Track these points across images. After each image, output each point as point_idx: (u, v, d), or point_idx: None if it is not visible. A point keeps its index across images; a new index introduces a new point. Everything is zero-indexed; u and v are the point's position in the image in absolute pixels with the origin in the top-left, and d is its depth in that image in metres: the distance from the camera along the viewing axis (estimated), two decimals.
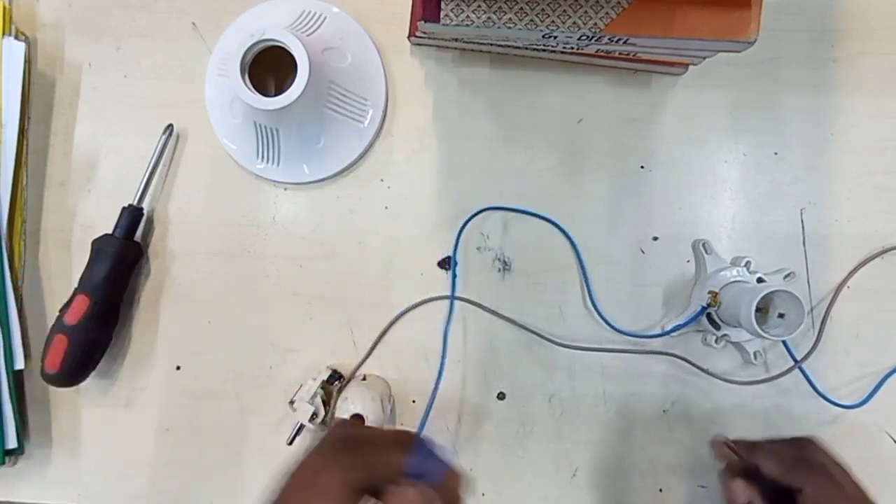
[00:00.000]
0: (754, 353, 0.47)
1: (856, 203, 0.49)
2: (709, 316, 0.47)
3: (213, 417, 0.48)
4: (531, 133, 0.49)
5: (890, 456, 0.49)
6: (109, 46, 0.49)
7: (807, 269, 0.49)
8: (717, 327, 0.47)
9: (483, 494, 0.48)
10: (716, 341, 0.47)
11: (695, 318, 0.46)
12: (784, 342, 0.47)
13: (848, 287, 0.49)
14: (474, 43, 0.46)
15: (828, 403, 0.48)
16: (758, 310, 0.41)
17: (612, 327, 0.48)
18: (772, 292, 0.42)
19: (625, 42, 0.40)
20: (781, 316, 0.44)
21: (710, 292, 0.46)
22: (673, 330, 0.47)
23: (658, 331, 0.48)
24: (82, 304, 0.44)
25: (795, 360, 0.47)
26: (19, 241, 0.48)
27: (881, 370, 0.49)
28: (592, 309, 0.48)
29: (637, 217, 0.49)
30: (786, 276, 0.47)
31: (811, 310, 0.49)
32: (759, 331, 0.41)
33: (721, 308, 0.45)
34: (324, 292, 0.49)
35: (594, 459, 0.49)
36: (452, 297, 0.48)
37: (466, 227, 0.48)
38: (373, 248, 0.48)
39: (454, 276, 0.48)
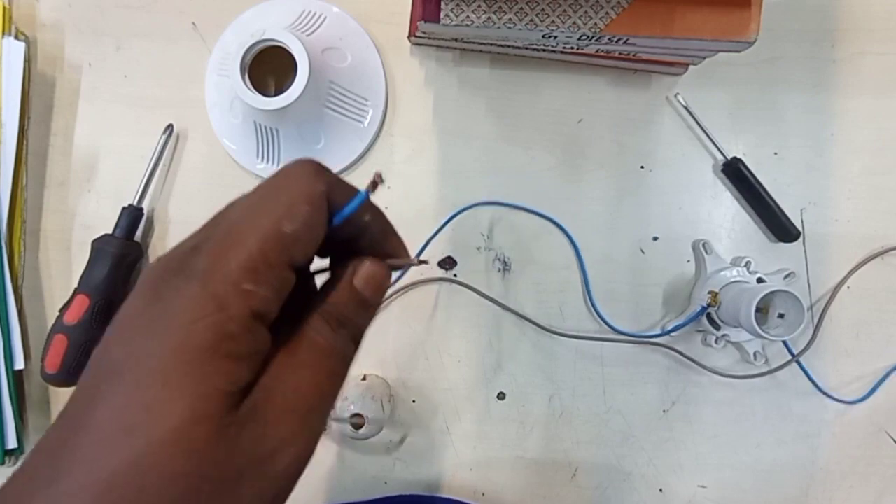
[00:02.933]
0: (754, 354, 0.47)
1: (856, 203, 0.49)
2: (709, 316, 0.47)
3: None
4: (531, 133, 0.49)
5: (890, 456, 0.49)
6: (109, 46, 0.49)
7: (807, 268, 0.49)
8: (717, 327, 0.47)
9: (483, 494, 0.48)
10: (715, 341, 0.47)
11: (695, 318, 0.46)
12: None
13: (848, 287, 0.49)
14: (474, 43, 0.46)
15: (827, 404, 0.48)
16: (758, 310, 0.41)
17: (612, 328, 0.48)
18: (772, 292, 0.42)
19: (625, 42, 0.40)
20: (781, 316, 0.44)
21: (709, 292, 0.46)
22: (673, 330, 0.47)
23: (658, 331, 0.48)
24: (82, 304, 0.44)
25: (792, 354, 0.47)
26: (19, 241, 0.48)
27: (881, 370, 0.49)
28: (592, 309, 0.48)
29: (637, 217, 0.49)
30: (786, 276, 0.47)
31: (810, 307, 0.49)
32: (759, 331, 0.41)
33: (721, 308, 0.45)
34: None
35: (594, 459, 0.49)
36: (406, 264, 0.48)
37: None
38: None
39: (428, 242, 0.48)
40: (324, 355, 0.21)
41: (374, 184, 0.22)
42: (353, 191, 0.22)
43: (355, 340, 0.22)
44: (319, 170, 0.21)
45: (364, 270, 0.22)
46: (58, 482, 0.17)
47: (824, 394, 0.48)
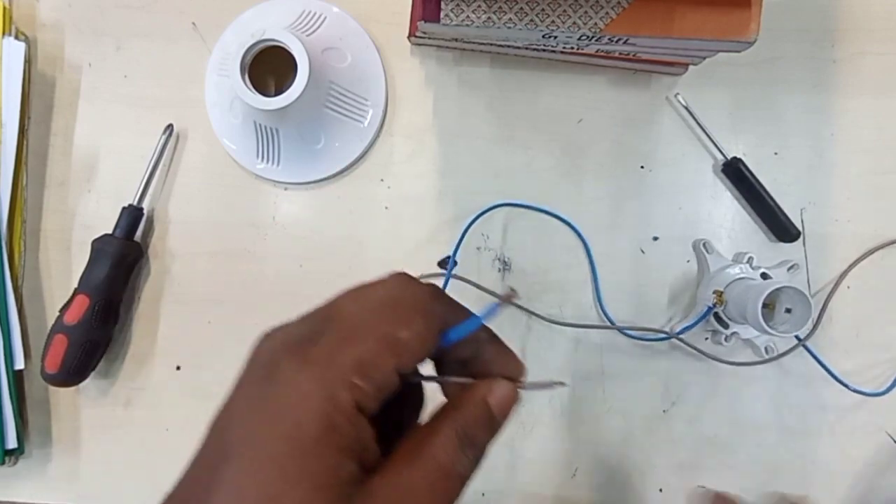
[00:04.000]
0: (765, 348, 0.47)
1: (856, 203, 0.49)
2: (716, 315, 0.46)
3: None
4: (531, 133, 0.49)
5: (890, 455, 0.49)
6: (109, 46, 0.49)
7: (807, 268, 0.49)
8: (726, 326, 0.47)
9: (483, 495, 0.48)
10: (725, 339, 0.47)
11: (702, 319, 0.46)
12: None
13: (848, 287, 0.49)
14: (474, 43, 0.46)
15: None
16: (764, 306, 0.41)
17: (619, 329, 0.48)
18: (777, 289, 0.41)
19: (625, 42, 0.40)
20: (788, 311, 0.43)
21: (714, 292, 0.45)
22: (682, 332, 0.47)
23: (665, 333, 0.48)
24: (82, 304, 0.44)
25: (798, 339, 0.47)
26: (19, 241, 0.48)
27: (882, 369, 0.49)
28: (599, 308, 0.48)
29: (637, 217, 0.49)
30: (789, 269, 0.47)
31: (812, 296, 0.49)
32: (766, 328, 0.41)
33: (727, 306, 0.45)
34: (323, 292, 0.48)
35: (594, 459, 0.49)
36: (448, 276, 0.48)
37: (462, 226, 0.48)
38: (373, 248, 0.48)
39: (451, 268, 0.48)
40: (443, 474, 0.20)
41: (508, 297, 0.22)
42: (468, 316, 0.23)
43: (478, 462, 0.22)
44: (439, 293, 0.23)
45: (500, 390, 0.22)
46: None
47: (836, 379, 0.47)
